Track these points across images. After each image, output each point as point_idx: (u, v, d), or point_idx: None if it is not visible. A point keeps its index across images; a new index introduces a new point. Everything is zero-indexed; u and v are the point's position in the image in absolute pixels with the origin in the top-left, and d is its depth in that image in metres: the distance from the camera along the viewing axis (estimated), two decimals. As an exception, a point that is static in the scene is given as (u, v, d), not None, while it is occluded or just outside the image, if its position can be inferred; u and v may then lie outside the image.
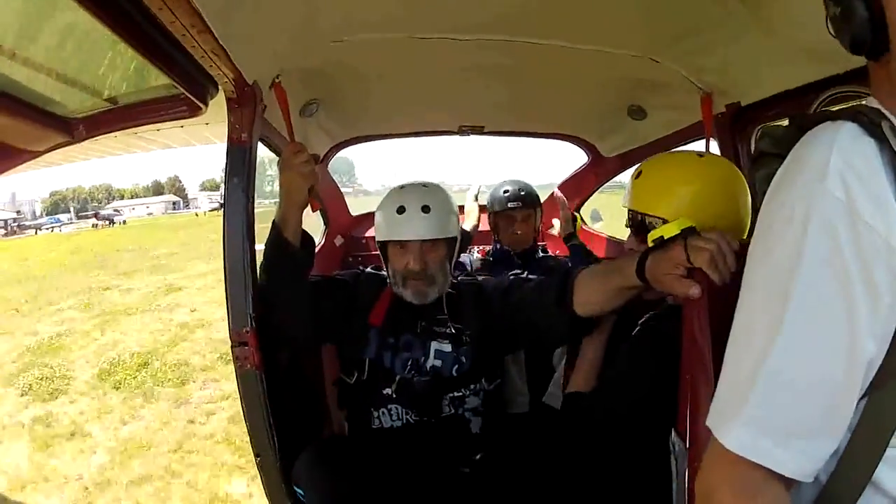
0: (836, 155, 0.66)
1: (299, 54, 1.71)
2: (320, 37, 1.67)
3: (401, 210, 1.77)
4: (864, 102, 0.76)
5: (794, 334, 0.66)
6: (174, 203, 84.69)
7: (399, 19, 1.63)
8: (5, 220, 53.69)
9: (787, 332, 0.66)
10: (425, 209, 1.76)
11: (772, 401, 0.67)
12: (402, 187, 1.88)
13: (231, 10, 1.19)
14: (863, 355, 0.65)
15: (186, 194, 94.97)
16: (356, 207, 3.63)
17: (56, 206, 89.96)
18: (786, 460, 0.67)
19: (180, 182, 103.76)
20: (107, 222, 45.17)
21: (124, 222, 46.65)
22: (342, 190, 3.62)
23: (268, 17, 1.40)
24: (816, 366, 0.66)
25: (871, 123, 0.69)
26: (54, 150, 1.61)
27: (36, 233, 43.99)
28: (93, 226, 44.39)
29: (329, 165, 3.18)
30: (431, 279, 1.80)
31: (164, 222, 39.57)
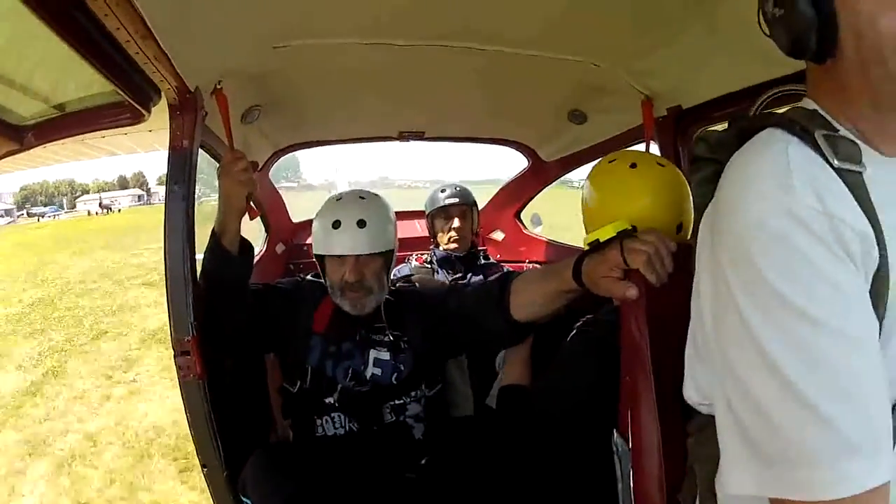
0: (792, 167, 0.67)
1: (241, 60, 1.69)
2: (262, 43, 1.65)
3: (336, 225, 1.76)
4: (800, 104, 0.77)
5: (834, 351, 0.62)
6: (139, 196, 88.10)
7: (340, 25, 1.63)
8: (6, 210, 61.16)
9: (826, 351, 0.62)
10: (361, 224, 1.76)
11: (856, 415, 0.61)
12: (338, 199, 1.87)
13: (174, 17, 1.18)
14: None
15: (149, 188, 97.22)
16: (301, 202, 3.56)
17: (26, 199, 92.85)
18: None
19: (144, 177, 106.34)
20: (106, 210, 50.55)
21: (119, 210, 52.49)
22: (287, 185, 3.55)
23: (210, 24, 1.38)
24: (866, 363, 0.63)
25: (803, 131, 0.70)
26: (4, 157, 1.57)
27: (38, 220, 51.09)
28: (87, 213, 50.46)
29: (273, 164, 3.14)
30: (368, 290, 1.80)
31: (147, 210, 45.71)
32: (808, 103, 0.76)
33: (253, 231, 2.96)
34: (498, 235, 3.61)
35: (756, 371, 0.65)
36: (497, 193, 3.60)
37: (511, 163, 3.40)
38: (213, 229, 1.65)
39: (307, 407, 1.83)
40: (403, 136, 2.90)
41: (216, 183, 1.66)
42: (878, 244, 0.66)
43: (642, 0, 1.45)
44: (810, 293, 0.63)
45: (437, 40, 1.74)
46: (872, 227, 0.66)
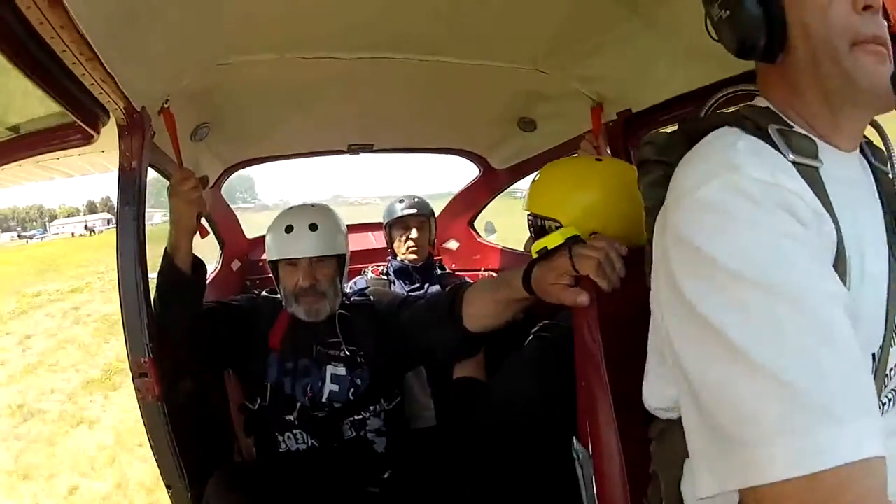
0: (741, 153, 0.66)
1: (186, 79, 1.69)
2: (205, 61, 1.65)
3: (289, 229, 1.81)
4: (753, 102, 0.78)
5: (784, 312, 0.57)
6: (108, 220, 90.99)
7: (281, 41, 1.64)
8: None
9: (775, 312, 0.57)
10: (313, 227, 1.80)
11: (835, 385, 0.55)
12: (290, 208, 1.92)
13: (118, 39, 1.19)
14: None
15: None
16: (257, 221, 3.51)
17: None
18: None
19: (111, 202, 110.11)
20: (90, 232, 54.03)
21: (101, 231, 55.11)
22: (243, 205, 3.48)
23: (153, 44, 1.38)
24: (822, 320, 0.57)
25: (756, 128, 0.70)
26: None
27: (27, 242, 53.91)
28: (72, 234, 55.39)
29: (229, 183, 3.10)
30: (322, 295, 1.83)
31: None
32: (761, 101, 0.78)
33: (209, 248, 2.95)
34: (452, 245, 3.60)
35: (704, 347, 0.60)
36: (450, 203, 3.60)
37: (463, 176, 3.41)
38: (166, 249, 1.65)
39: (268, 424, 1.83)
40: (353, 149, 2.89)
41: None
42: (836, 228, 0.65)
43: (585, 5, 1.47)
44: (750, 257, 0.59)
45: (379, 52, 1.75)
46: (829, 214, 0.65)
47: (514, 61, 1.87)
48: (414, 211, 2.82)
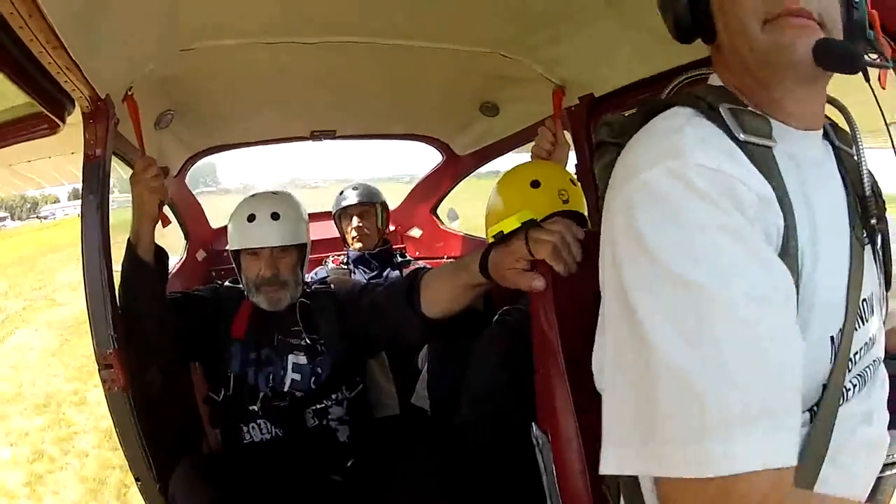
0: (686, 137, 0.65)
1: (149, 66, 1.69)
2: (168, 47, 1.66)
3: (251, 218, 1.80)
4: (710, 82, 0.78)
5: (711, 314, 0.57)
6: None
7: (243, 26, 1.64)
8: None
9: (702, 313, 0.57)
10: (275, 216, 1.79)
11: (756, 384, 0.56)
12: (252, 196, 1.91)
13: (83, 25, 1.20)
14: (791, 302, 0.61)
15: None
16: (219, 205, 3.45)
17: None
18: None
19: None
20: None
21: None
22: (205, 189, 3.42)
23: (117, 30, 1.38)
24: (752, 325, 0.57)
25: (709, 108, 0.70)
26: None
27: (41, 221, 49.14)
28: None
29: (192, 169, 3.08)
30: (283, 284, 1.82)
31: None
32: (715, 80, 0.78)
33: (177, 238, 2.96)
34: (415, 232, 3.59)
35: (628, 333, 0.61)
36: (412, 190, 3.59)
37: (422, 158, 3.40)
38: (129, 239, 1.63)
39: (232, 415, 1.82)
40: (315, 136, 2.89)
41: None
42: (784, 214, 0.65)
43: None
44: (684, 254, 0.59)
45: (342, 36, 1.75)
46: (778, 198, 0.65)
47: (477, 45, 1.86)
48: (356, 200, 2.83)
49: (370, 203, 2.85)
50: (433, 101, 2.58)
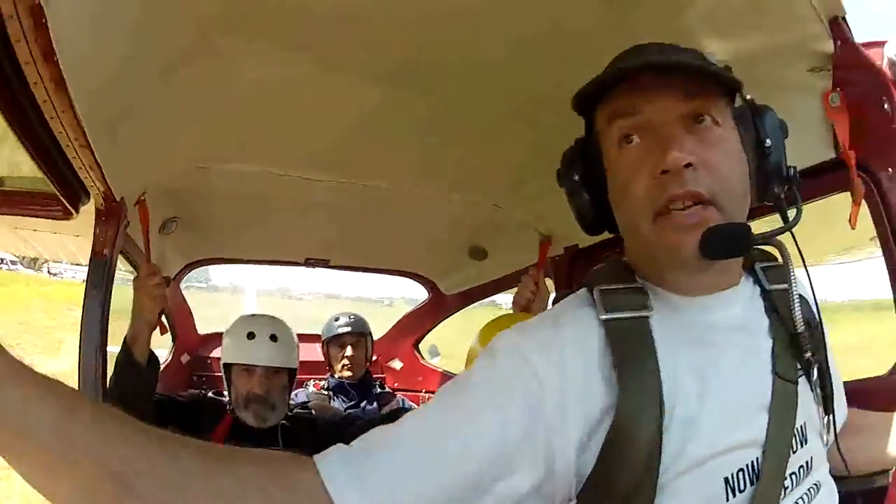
0: (547, 317, 0.77)
1: (166, 175, 1.76)
2: (189, 161, 1.73)
3: (251, 336, 1.87)
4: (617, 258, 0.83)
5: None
6: None
7: (259, 154, 1.73)
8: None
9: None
10: (273, 338, 1.87)
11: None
12: (252, 316, 2.01)
13: (111, 129, 1.24)
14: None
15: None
16: (208, 302, 3.44)
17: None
18: None
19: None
20: None
21: None
22: (197, 285, 3.44)
23: (144, 139, 1.44)
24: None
25: (588, 290, 0.77)
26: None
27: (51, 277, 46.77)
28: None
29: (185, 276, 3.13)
30: (272, 405, 1.85)
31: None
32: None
33: (162, 338, 2.90)
34: (396, 364, 3.60)
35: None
36: (397, 323, 3.65)
37: (406, 284, 3.50)
38: (125, 339, 1.66)
39: None
40: (309, 263, 2.97)
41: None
42: (627, 380, 0.67)
43: (541, 151, 1.63)
44: (456, 402, 0.69)
45: (346, 177, 1.87)
46: (620, 377, 0.68)
47: (471, 194, 1.99)
48: (349, 329, 2.89)
49: (361, 334, 2.91)
50: (424, 241, 2.69)
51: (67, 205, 1.49)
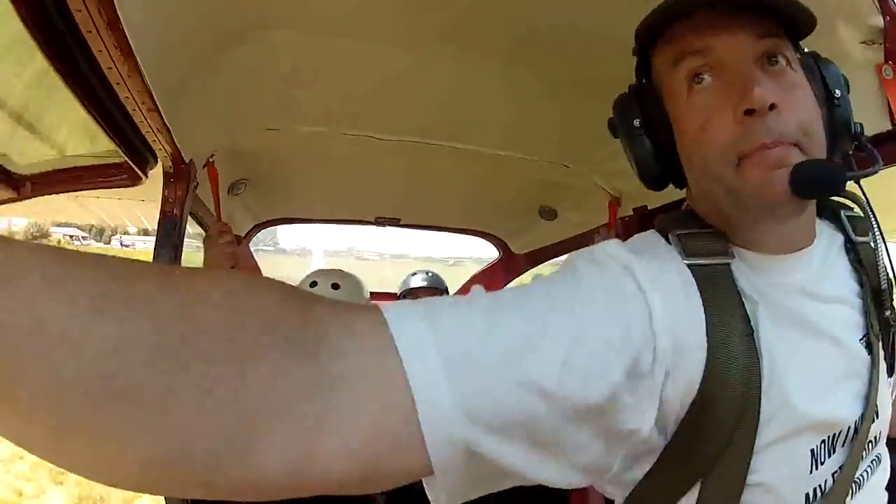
0: (626, 245, 0.67)
1: (235, 138, 1.79)
2: (256, 124, 1.75)
3: (313, 284, 1.90)
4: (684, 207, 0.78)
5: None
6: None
7: (328, 115, 1.74)
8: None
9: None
10: (335, 286, 1.89)
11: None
12: (321, 270, 2.02)
13: (179, 94, 1.26)
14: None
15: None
16: (276, 264, 3.58)
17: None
18: None
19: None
20: None
21: None
22: (264, 248, 3.57)
23: (211, 103, 1.47)
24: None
25: (664, 232, 0.71)
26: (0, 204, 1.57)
27: (124, 248, 50.72)
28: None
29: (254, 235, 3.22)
30: None
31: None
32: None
33: None
34: None
35: None
36: (468, 280, 3.69)
37: (473, 243, 3.50)
38: None
39: None
40: (380, 222, 3.02)
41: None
42: (709, 344, 0.61)
43: (608, 110, 1.61)
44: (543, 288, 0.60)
45: (418, 137, 1.87)
46: (709, 322, 0.61)
47: (542, 154, 1.99)
48: (425, 284, 2.97)
49: (436, 289, 2.98)
50: (496, 201, 2.71)
51: (136, 169, 1.51)
